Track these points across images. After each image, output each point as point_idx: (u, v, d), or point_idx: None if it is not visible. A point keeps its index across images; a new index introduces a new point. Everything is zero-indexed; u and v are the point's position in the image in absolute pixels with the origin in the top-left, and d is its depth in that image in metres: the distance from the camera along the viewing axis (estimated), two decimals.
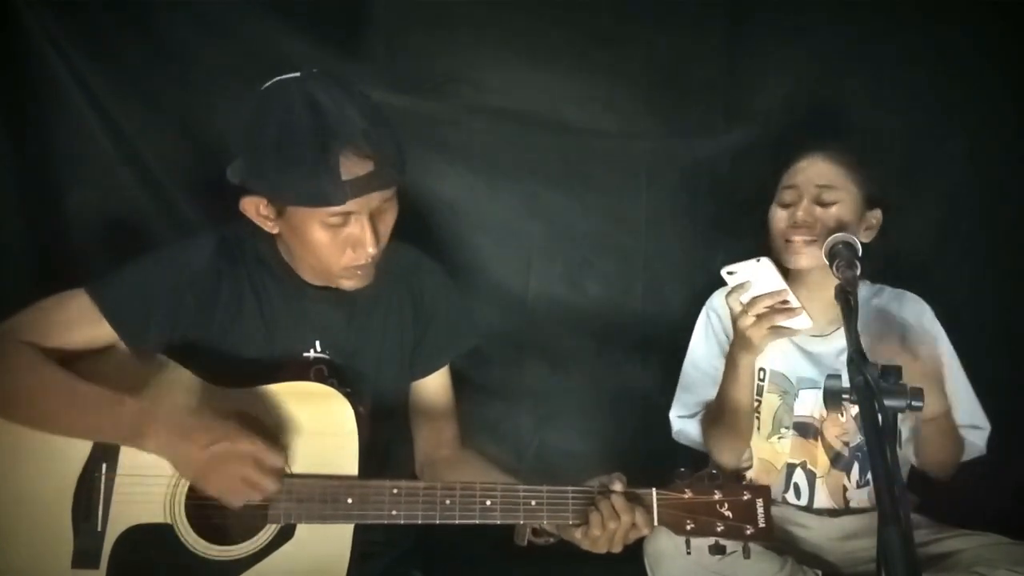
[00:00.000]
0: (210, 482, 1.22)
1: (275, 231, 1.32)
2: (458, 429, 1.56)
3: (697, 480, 1.30)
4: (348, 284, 1.35)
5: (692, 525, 1.27)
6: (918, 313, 1.64)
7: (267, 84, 1.27)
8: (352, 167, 1.20)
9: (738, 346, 1.46)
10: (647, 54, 1.91)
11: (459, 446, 1.55)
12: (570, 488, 1.29)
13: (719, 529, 1.27)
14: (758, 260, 1.38)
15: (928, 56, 1.86)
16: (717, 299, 1.71)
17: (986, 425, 1.60)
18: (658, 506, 1.28)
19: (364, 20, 1.84)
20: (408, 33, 1.86)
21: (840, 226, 1.49)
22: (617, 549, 1.27)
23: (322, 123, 1.20)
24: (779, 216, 1.59)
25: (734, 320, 1.42)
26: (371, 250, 1.28)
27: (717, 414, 1.58)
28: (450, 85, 1.88)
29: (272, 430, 1.27)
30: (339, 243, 1.28)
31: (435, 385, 1.54)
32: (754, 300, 1.38)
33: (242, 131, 1.28)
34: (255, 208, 1.29)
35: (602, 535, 1.25)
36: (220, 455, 1.21)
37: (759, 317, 1.38)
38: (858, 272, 1.31)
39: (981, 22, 1.84)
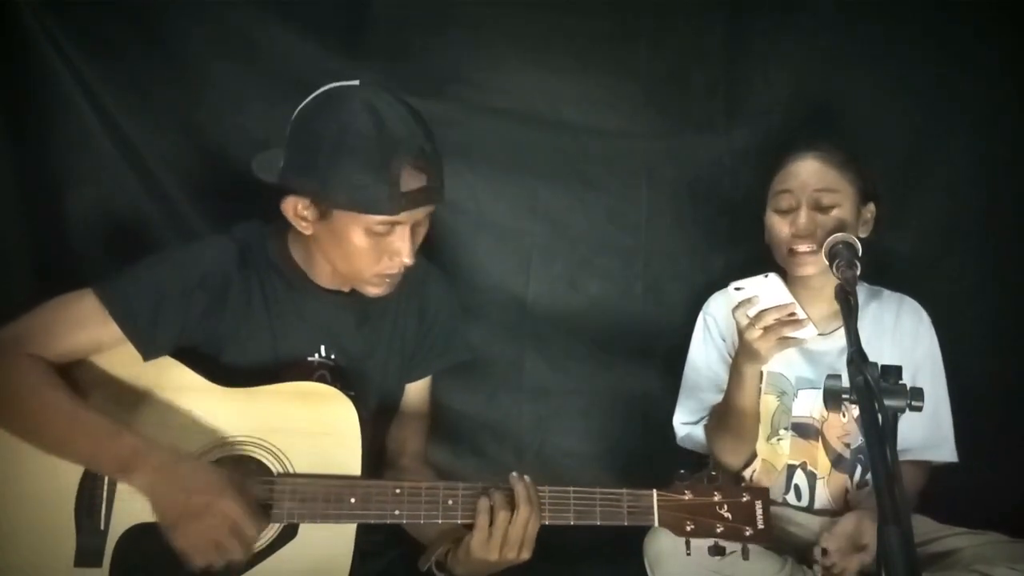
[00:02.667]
0: (179, 533, 1.19)
1: (309, 232, 1.32)
2: (423, 444, 1.56)
3: (697, 482, 1.31)
4: (375, 291, 1.36)
5: (692, 526, 1.28)
6: (916, 320, 1.63)
7: (323, 88, 1.29)
8: (409, 180, 1.23)
9: (744, 356, 1.45)
10: (648, 53, 1.91)
11: (421, 461, 1.55)
12: (571, 488, 1.30)
13: (719, 530, 1.28)
14: (766, 276, 1.38)
15: (930, 54, 1.86)
16: (714, 304, 1.71)
17: (939, 442, 1.59)
18: (658, 507, 1.29)
19: (365, 21, 1.84)
20: (409, 34, 1.86)
21: (841, 229, 1.46)
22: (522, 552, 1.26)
23: (386, 133, 1.21)
24: (778, 223, 1.57)
25: (741, 332, 1.41)
26: (407, 260, 1.30)
27: (722, 419, 1.57)
28: (450, 85, 1.88)
29: (258, 498, 1.24)
30: (378, 251, 1.29)
31: (413, 392, 1.55)
32: (761, 313, 1.37)
33: (292, 130, 1.28)
34: (294, 208, 1.29)
35: (494, 532, 1.23)
36: (197, 508, 1.18)
37: (766, 329, 1.38)
38: (858, 272, 1.31)
39: (984, 19, 1.84)
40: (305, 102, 1.29)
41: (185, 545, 1.19)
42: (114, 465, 1.23)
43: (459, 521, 1.27)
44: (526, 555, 1.26)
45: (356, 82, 1.28)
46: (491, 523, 1.24)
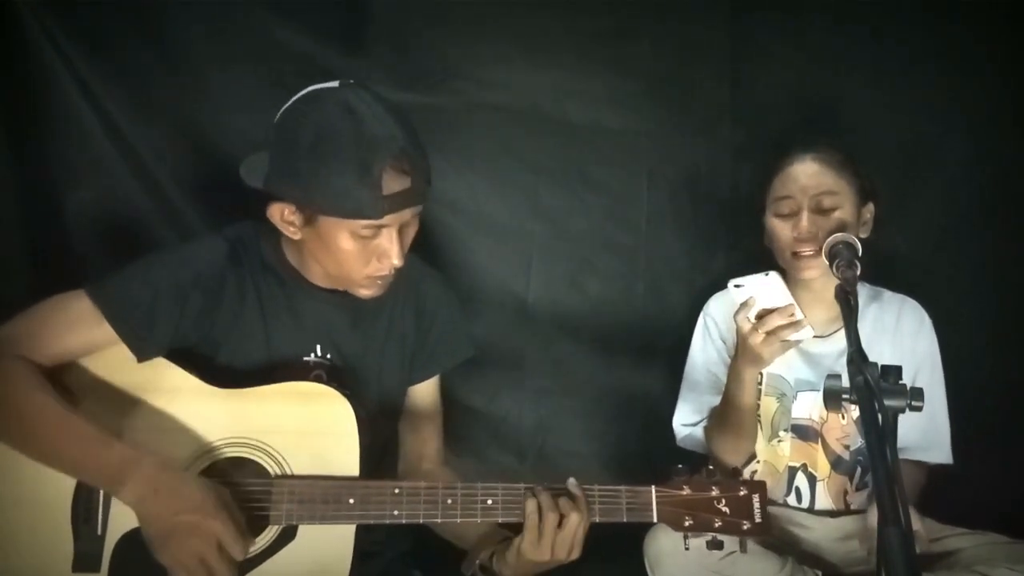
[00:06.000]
0: (166, 549, 1.17)
1: (297, 237, 1.31)
2: (441, 444, 1.56)
3: (695, 476, 1.31)
4: (366, 293, 1.36)
5: (690, 521, 1.28)
6: (917, 321, 1.63)
7: (303, 92, 1.27)
8: (392, 182, 1.22)
9: (745, 360, 1.44)
10: (650, 52, 1.91)
11: (441, 462, 1.55)
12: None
13: (717, 525, 1.28)
14: (767, 274, 1.37)
15: (929, 55, 1.87)
16: (714, 304, 1.71)
17: (935, 444, 1.60)
18: (657, 503, 1.29)
19: (365, 17, 1.84)
20: (409, 30, 1.86)
21: (842, 230, 1.45)
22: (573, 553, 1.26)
23: (365, 136, 1.20)
24: (780, 227, 1.57)
25: (743, 337, 1.40)
26: (396, 262, 1.29)
27: (722, 419, 1.57)
28: (451, 82, 1.88)
29: (245, 519, 1.23)
30: (366, 253, 1.29)
31: (424, 393, 1.55)
32: (765, 318, 1.37)
33: (273, 135, 1.27)
34: (280, 213, 1.28)
35: (544, 533, 1.24)
36: (185, 525, 1.17)
37: (769, 334, 1.37)
38: (858, 272, 1.31)
39: (983, 21, 1.84)
40: (286, 106, 1.27)
41: (170, 563, 1.18)
42: (102, 476, 1.22)
43: (459, 520, 1.27)
44: (576, 554, 1.27)
45: (336, 83, 1.25)
46: (540, 523, 1.24)
